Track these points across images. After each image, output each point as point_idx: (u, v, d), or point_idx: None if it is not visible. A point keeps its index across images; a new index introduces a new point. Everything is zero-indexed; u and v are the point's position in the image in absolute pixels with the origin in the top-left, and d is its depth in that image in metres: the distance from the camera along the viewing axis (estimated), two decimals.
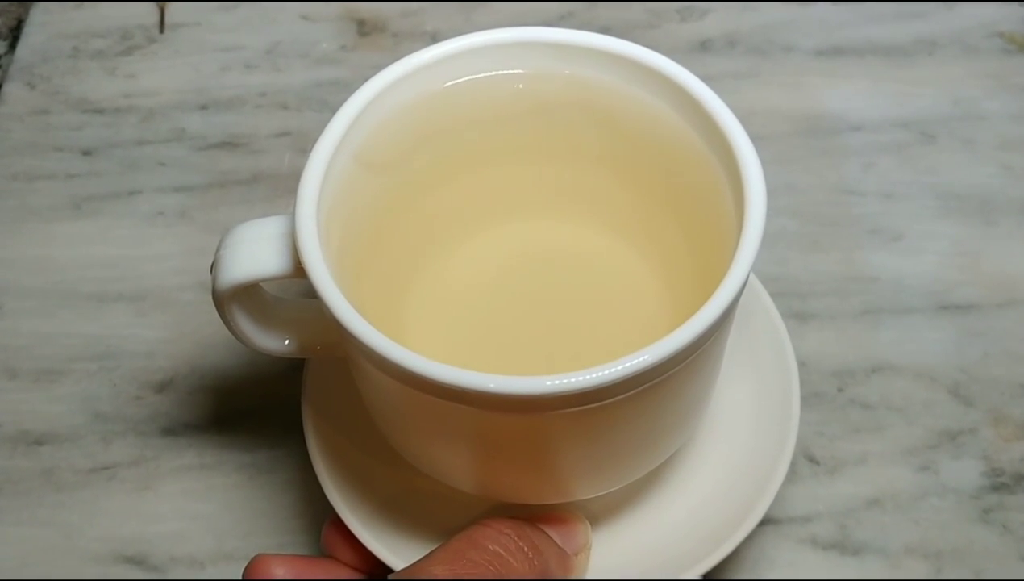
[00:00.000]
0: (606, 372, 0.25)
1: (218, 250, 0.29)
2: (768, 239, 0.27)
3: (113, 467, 0.39)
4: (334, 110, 0.30)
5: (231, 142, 0.48)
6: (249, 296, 0.31)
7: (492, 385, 0.24)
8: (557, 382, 0.24)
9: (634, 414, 0.27)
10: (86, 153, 0.47)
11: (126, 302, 0.43)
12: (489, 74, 0.31)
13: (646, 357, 0.25)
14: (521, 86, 0.32)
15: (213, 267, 0.29)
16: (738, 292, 0.26)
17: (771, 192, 0.28)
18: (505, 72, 0.32)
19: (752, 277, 0.37)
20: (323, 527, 0.34)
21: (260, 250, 0.29)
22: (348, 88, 0.30)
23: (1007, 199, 0.45)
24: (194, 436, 0.40)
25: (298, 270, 0.28)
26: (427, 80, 0.31)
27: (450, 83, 0.31)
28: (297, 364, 0.36)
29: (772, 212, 0.27)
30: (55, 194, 0.46)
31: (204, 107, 0.49)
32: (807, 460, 0.39)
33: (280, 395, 0.40)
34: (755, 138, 0.28)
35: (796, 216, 0.44)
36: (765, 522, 0.37)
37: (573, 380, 0.24)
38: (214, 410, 0.40)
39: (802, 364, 0.40)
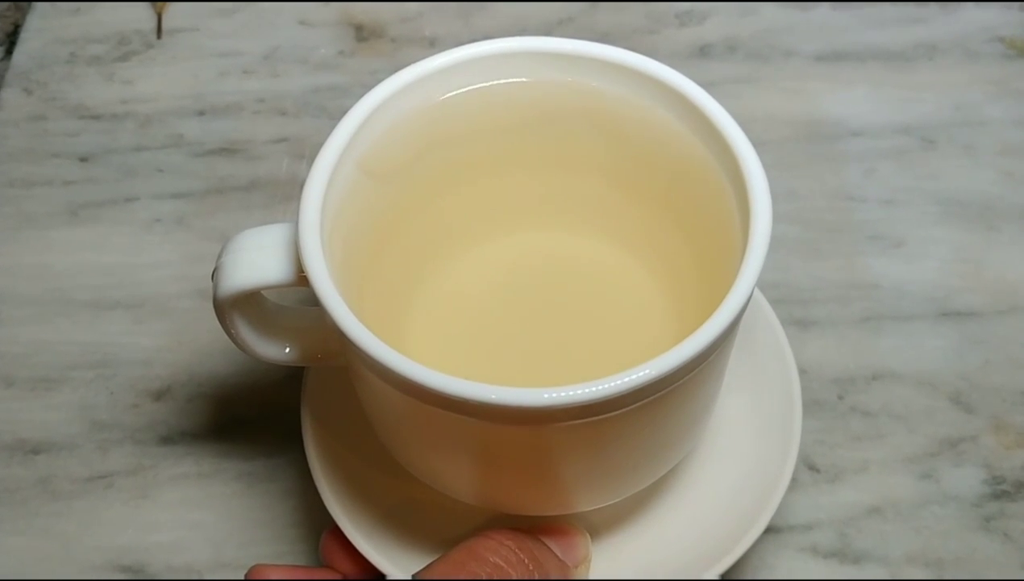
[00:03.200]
0: (608, 385, 0.24)
1: (220, 257, 0.29)
2: (769, 245, 0.27)
3: (110, 476, 0.39)
4: (332, 116, 0.30)
5: (229, 148, 0.47)
6: (250, 304, 0.31)
7: (493, 396, 0.24)
8: (558, 394, 0.24)
9: (636, 427, 0.27)
10: (83, 159, 0.47)
11: (123, 310, 0.43)
12: (492, 83, 0.31)
13: (648, 371, 0.25)
14: (524, 95, 0.32)
15: (215, 274, 0.29)
16: (743, 306, 0.26)
17: (771, 198, 0.27)
18: (508, 81, 0.31)
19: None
20: (321, 537, 0.34)
21: (262, 258, 0.28)
22: (346, 93, 0.30)
23: (1008, 205, 0.45)
24: (192, 444, 0.39)
25: (300, 278, 0.28)
26: (431, 89, 0.31)
27: (453, 92, 0.31)
28: (295, 372, 0.36)
29: (773, 219, 0.27)
30: (52, 201, 0.46)
31: (202, 113, 0.49)
32: (808, 468, 0.38)
33: (279, 403, 0.40)
34: (755, 144, 0.28)
35: (797, 222, 0.44)
36: (766, 530, 0.37)
37: (574, 393, 0.24)
38: (212, 418, 0.40)
39: (803, 371, 0.40)
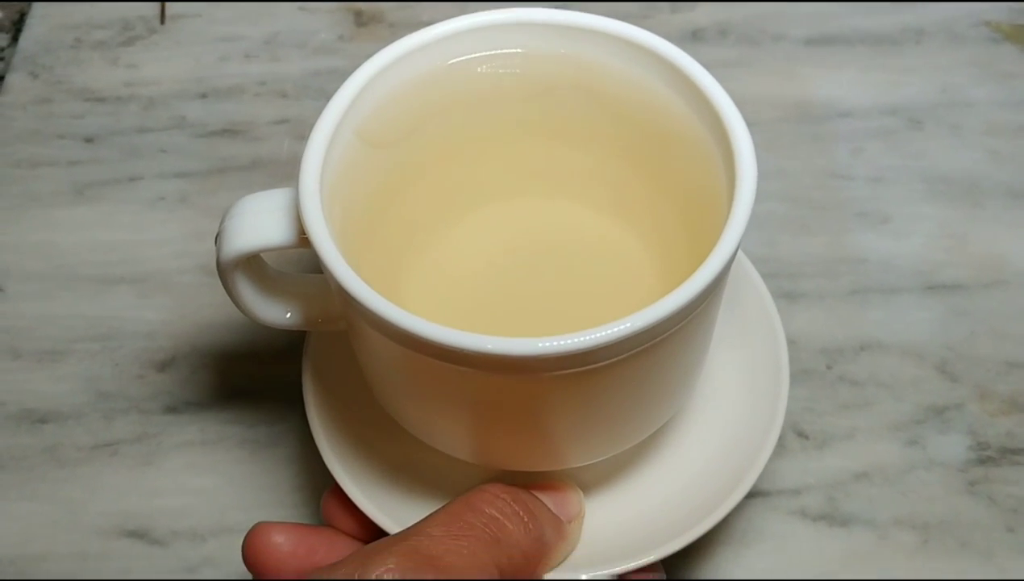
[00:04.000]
0: (600, 334, 0.25)
1: (223, 221, 0.30)
2: (758, 222, 0.28)
3: (116, 444, 0.40)
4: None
5: (231, 129, 0.48)
6: (252, 267, 0.31)
7: (490, 346, 0.25)
8: (551, 343, 0.25)
9: (626, 379, 0.28)
10: (88, 140, 0.48)
11: (128, 285, 0.44)
12: (489, 53, 0.32)
13: (634, 322, 0.25)
14: (520, 66, 0.33)
15: (218, 238, 0.30)
16: (727, 261, 0.27)
17: (761, 176, 0.28)
18: (504, 51, 0.32)
19: (743, 258, 0.37)
20: (323, 497, 0.34)
21: (264, 221, 0.29)
22: (345, 76, 0.31)
23: (993, 183, 0.46)
24: (196, 413, 0.40)
25: (301, 240, 0.29)
26: (428, 59, 0.32)
27: (450, 62, 0.32)
28: (296, 343, 0.37)
29: (762, 196, 0.28)
30: (57, 180, 0.47)
31: (204, 96, 0.50)
32: (797, 435, 0.39)
33: (280, 372, 0.41)
34: (746, 124, 0.29)
35: (786, 200, 0.45)
36: (755, 494, 0.38)
37: (567, 341, 0.25)
38: (216, 388, 0.41)
39: (792, 342, 0.41)
